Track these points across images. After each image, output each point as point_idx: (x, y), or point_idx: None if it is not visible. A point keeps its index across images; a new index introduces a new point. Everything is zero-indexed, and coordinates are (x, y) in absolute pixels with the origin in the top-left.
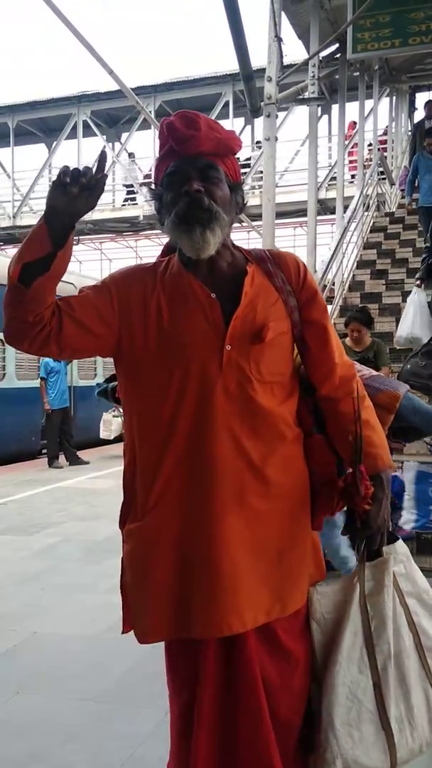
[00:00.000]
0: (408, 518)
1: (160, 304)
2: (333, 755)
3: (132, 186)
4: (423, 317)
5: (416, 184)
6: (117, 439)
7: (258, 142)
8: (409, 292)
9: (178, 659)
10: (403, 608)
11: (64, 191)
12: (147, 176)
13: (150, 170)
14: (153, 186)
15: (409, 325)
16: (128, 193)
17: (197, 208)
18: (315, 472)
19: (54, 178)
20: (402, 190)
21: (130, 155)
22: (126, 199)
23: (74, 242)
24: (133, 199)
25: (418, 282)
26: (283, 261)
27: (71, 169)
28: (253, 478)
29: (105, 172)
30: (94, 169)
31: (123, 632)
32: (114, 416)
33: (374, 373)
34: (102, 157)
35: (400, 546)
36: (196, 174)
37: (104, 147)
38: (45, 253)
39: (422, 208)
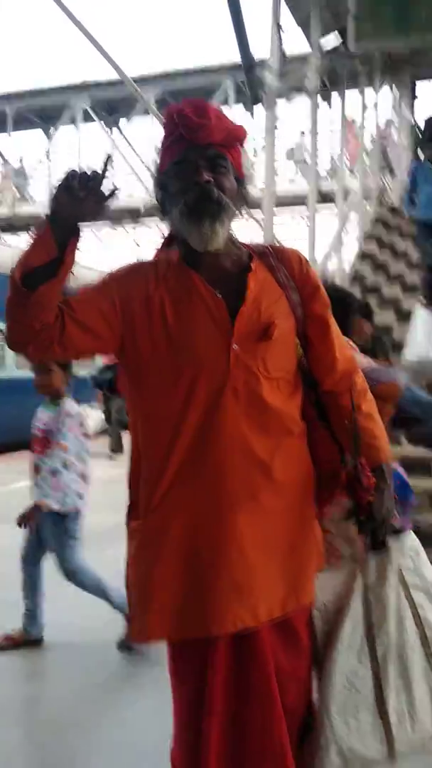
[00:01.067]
0: None
1: (163, 303)
2: (327, 741)
3: None
4: None
5: (414, 199)
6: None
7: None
8: (410, 285)
9: (184, 649)
10: (408, 601)
11: (70, 194)
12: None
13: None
14: (156, 174)
15: (423, 348)
16: None
17: (207, 200)
18: (318, 464)
19: (53, 166)
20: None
21: None
22: None
23: None
24: None
25: (424, 302)
26: (286, 256)
27: (80, 172)
28: (262, 475)
29: (115, 186)
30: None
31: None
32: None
33: (374, 364)
34: (108, 162)
35: (409, 539)
36: (205, 164)
37: (109, 153)
38: (50, 258)
39: (420, 223)
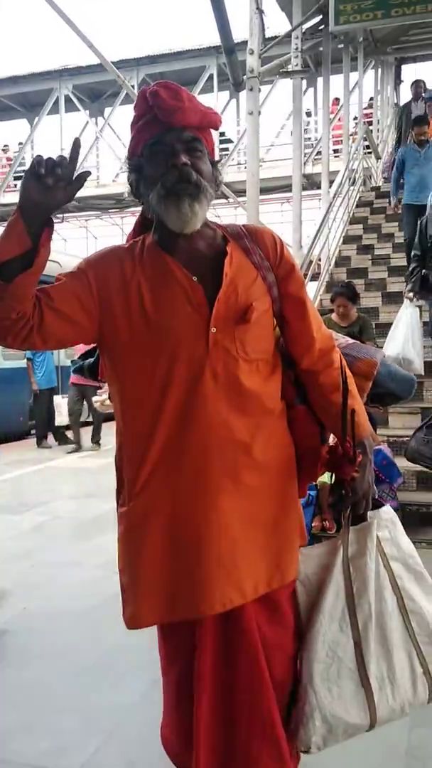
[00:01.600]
0: None
1: (140, 288)
2: (311, 708)
3: None
4: (416, 336)
5: (401, 181)
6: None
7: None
8: (396, 267)
9: (173, 630)
10: (386, 571)
11: (38, 182)
12: None
13: None
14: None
15: (399, 345)
16: None
17: (186, 182)
18: (299, 441)
19: (36, 154)
20: (385, 179)
21: None
22: None
23: (59, 220)
24: None
25: (410, 295)
26: (260, 237)
27: (45, 158)
28: (243, 455)
29: (89, 170)
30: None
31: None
32: (62, 397)
33: (350, 341)
34: (75, 147)
35: (385, 512)
36: (182, 147)
37: (77, 137)
38: (24, 249)
39: (406, 206)
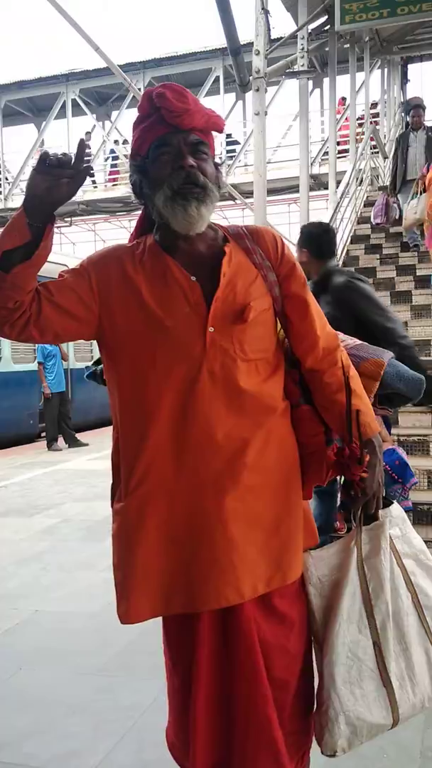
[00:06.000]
0: None
1: (140, 286)
2: (335, 712)
3: None
4: None
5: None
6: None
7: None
8: (404, 266)
9: (175, 632)
10: (400, 569)
11: (45, 177)
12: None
13: None
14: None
15: None
16: None
17: (192, 184)
18: (303, 442)
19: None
20: (378, 224)
21: None
22: None
23: (67, 224)
24: None
25: None
26: (261, 237)
27: (52, 154)
28: (242, 455)
29: (90, 162)
30: (74, 157)
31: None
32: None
33: (357, 342)
34: (82, 145)
35: (395, 509)
36: (188, 149)
37: (83, 137)
38: (24, 241)
39: None
